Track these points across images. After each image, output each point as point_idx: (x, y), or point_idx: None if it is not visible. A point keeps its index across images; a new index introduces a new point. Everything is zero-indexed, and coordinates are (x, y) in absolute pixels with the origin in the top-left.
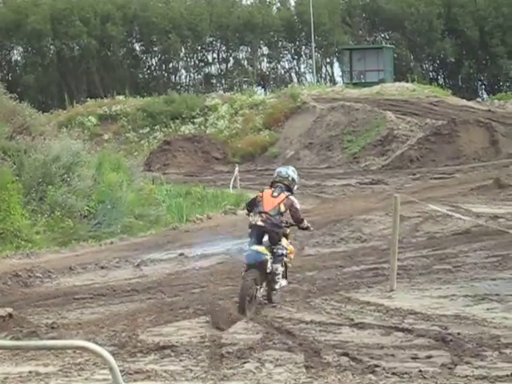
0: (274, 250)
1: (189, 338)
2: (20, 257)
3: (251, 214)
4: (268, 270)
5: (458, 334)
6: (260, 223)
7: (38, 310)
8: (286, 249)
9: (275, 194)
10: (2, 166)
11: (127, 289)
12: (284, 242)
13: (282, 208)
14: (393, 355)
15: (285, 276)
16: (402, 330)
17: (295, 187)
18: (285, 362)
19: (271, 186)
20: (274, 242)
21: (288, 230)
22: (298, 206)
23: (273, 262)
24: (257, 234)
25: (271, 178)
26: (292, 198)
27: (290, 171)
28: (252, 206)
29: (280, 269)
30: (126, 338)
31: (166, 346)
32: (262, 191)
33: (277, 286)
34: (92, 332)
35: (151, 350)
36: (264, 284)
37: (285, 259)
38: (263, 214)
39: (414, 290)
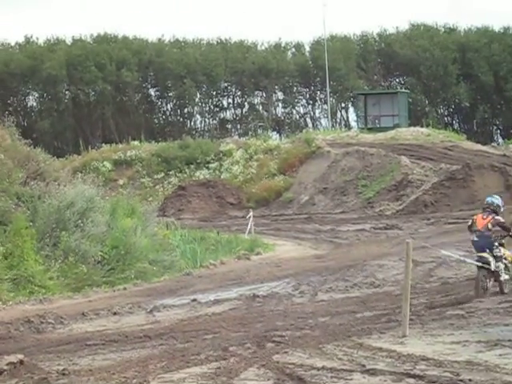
0: (494, 254)
1: None
2: (33, 302)
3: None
4: (492, 269)
5: (470, 380)
6: (476, 239)
7: (49, 356)
8: (504, 254)
9: (484, 216)
10: (16, 211)
11: (139, 335)
12: (502, 250)
13: (490, 226)
14: None
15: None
16: (414, 376)
17: (501, 209)
18: None
19: (483, 211)
20: (490, 249)
21: (503, 241)
22: (502, 220)
23: (495, 262)
24: (476, 246)
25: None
26: (497, 217)
27: (495, 199)
28: (470, 227)
29: (501, 266)
30: None
31: None
32: (475, 215)
33: (501, 279)
34: (103, 378)
35: None
36: (492, 279)
37: (504, 261)
38: (477, 232)
39: (427, 336)
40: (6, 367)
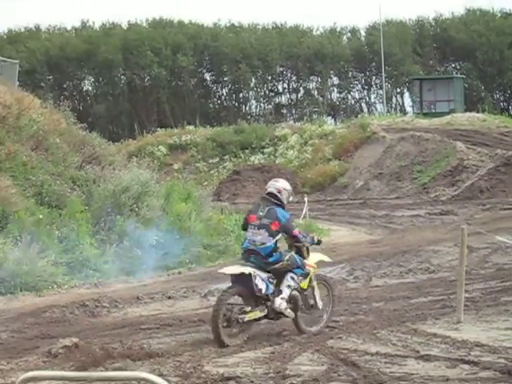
0: None
1: (253, 369)
2: (88, 286)
3: None
4: None
5: None
6: None
7: (104, 339)
8: None
9: None
10: (72, 195)
11: (194, 319)
12: None
13: None
14: None
15: None
16: (468, 362)
17: None
18: None
19: None
20: None
21: None
22: None
23: None
24: None
25: (340, 208)
26: None
27: None
28: None
29: None
30: (191, 368)
31: (231, 377)
32: None
33: None
34: (157, 362)
35: (216, 380)
36: None
37: None
38: None
39: (482, 322)
40: (61, 350)
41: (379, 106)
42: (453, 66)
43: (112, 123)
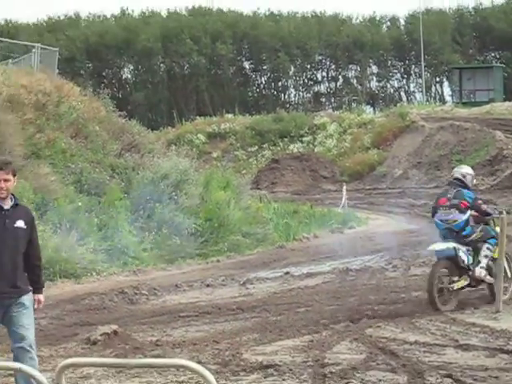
0: None
1: (292, 358)
2: (127, 274)
3: None
4: None
5: None
6: None
7: (143, 327)
8: None
9: None
10: (111, 183)
11: (232, 307)
12: None
13: None
14: (497, 377)
15: None
16: (507, 351)
17: None
18: (388, 382)
19: None
20: None
21: None
22: None
23: None
24: None
25: (379, 197)
26: None
27: None
28: None
29: None
30: (230, 356)
31: (269, 365)
32: None
33: None
34: (196, 350)
35: (254, 368)
36: None
37: None
38: None
39: None
40: (100, 337)
41: (418, 95)
42: (492, 55)
43: (151, 111)
